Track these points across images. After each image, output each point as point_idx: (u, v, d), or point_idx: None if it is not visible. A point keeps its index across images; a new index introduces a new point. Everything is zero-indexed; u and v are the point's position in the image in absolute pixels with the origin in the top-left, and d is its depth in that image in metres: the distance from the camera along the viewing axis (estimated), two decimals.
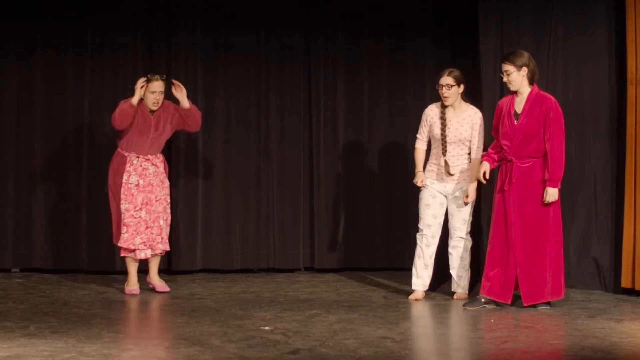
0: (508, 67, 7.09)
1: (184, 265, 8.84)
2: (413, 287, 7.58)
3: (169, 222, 7.91)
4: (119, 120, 7.67)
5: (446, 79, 7.44)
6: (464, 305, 7.21)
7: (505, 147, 7.10)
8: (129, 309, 7.06)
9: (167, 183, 7.92)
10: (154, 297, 7.61)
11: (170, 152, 8.87)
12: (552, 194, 7.01)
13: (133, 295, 7.61)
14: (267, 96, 9.20)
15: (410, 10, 9.24)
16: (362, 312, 6.97)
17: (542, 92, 7.14)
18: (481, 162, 7.25)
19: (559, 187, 7.05)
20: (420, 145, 7.63)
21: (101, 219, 8.96)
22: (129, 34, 9.04)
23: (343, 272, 9.09)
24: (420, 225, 7.55)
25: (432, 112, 7.57)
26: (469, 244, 7.56)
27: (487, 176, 7.21)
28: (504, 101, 7.23)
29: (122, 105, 7.67)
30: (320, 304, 7.32)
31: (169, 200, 7.91)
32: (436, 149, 7.55)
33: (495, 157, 7.21)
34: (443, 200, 7.52)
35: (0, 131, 8.96)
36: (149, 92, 7.70)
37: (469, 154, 7.51)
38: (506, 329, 6.36)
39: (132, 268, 7.78)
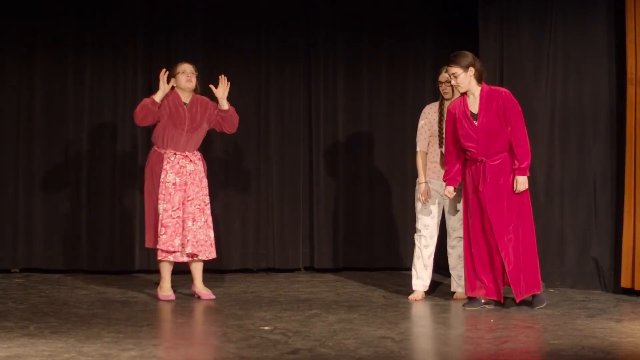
0: (455, 70, 7.01)
1: (183, 265, 8.82)
2: (414, 287, 7.58)
3: (210, 224, 7.59)
4: (140, 117, 7.42)
5: (446, 76, 7.45)
6: (463, 305, 7.20)
7: (471, 149, 7.02)
8: (129, 309, 7.06)
9: (205, 182, 7.63)
10: (153, 297, 7.61)
11: None
12: (522, 182, 6.95)
13: (169, 300, 7.46)
14: (267, 96, 9.21)
15: (410, 10, 9.25)
16: (362, 312, 6.97)
17: (494, 87, 7.10)
18: (446, 185, 7.20)
19: (528, 174, 7.00)
20: (422, 148, 7.54)
21: (101, 219, 8.97)
22: (129, 34, 9.05)
23: (343, 272, 9.10)
24: (418, 226, 7.55)
25: (430, 110, 7.58)
26: None
27: (451, 196, 7.21)
28: (455, 105, 7.11)
29: (145, 101, 7.45)
30: (320, 304, 7.32)
31: (207, 201, 7.60)
32: (433, 146, 7.54)
33: (459, 177, 7.13)
34: (440, 200, 7.53)
35: (0, 131, 8.96)
36: (180, 73, 7.52)
37: None
38: (506, 329, 6.36)
39: (167, 272, 7.55)
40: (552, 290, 7.80)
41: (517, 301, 7.02)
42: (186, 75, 7.53)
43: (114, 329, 6.27)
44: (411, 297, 7.53)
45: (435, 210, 7.53)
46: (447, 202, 7.52)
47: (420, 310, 7.21)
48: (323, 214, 9.23)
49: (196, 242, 7.51)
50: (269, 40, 9.22)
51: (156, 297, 7.58)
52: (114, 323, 6.47)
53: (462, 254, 7.52)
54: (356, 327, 6.39)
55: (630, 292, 7.61)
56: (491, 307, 7.11)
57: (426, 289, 7.59)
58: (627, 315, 6.87)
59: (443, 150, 7.43)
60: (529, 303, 7.06)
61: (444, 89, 7.49)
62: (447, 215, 7.57)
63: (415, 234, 7.57)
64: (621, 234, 7.68)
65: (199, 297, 7.63)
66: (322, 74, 9.27)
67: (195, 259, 7.57)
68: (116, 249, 8.98)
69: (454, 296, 7.57)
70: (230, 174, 9.11)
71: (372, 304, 7.38)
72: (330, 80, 9.27)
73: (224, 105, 7.59)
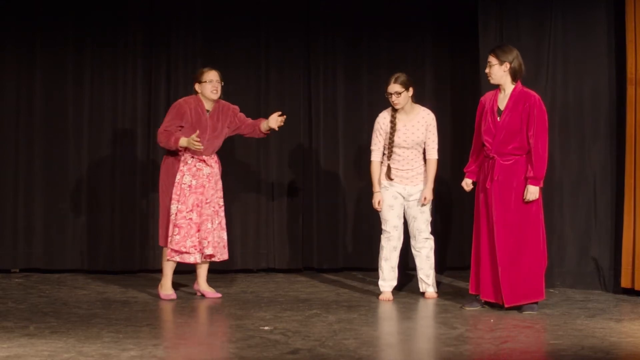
0: (491, 59, 7.04)
1: (183, 265, 8.82)
2: (381, 288, 7.61)
3: (224, 225, 7.63)
4: (161, 145, 7.50)
5: (394, 87, 7.47)
6: (463, 305, 7.20)
7: (487, 144, 7.03)
8: (129, 309, 7.06)
9: (220, 185, 7.65)
10: (153, 297, 7.61)
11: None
12: (533, 192, 6.91)
13: (170, 300, 7.49)
14: (267, 96, 9.21)
15: (409, 10, 9.25)
16: (361, 312, 6.97)
17: (526, 89, 7.05)
18: (465, 177, 7.24)
19: (541, 185, 6.98)
20: (377, 158, 7.62)
21: (101, 219, 8.97)
22: (129, 34, 9.05)
23: (343, 272, 9.10)
24: (387, 228, 7.57)
25: (385, 119, 7.60)
26: (433, 243, 7.64)
27: (468, 189, 7.25)
28: (487, 97, 7.14)
29: (170, 138, 7.39)
30: (319, 304, 7.32)
31: (222, 203, 7.64)
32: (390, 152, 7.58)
33: (476, 169, 7.16)
34: (402, 201, 7.57)
35: (0, 131, 8.96)
36: (206, 81, 7.49)
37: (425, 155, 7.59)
38: (506, 329, 6.36)
39: (170, 271, 7.57)
40: (552, 290, 7.80)
41: (506, 305, 6.96)
42: (213, 85, 7.50)
43: (114, 329, 6.27)
44: (382, 297, 7.56)
45: (401, 211, 7.58)
46: (410, 204, 7.55)
47: (420, 310, 7.21)
48: (323, 214, 9.23)
49: (219, 244, 7.58)
50: (269, 40, 9.22)
51: (157, 296, 7.58)
52: (114, 323, 6.47)
53: (429, 254, 7.55)
54: (356, 327, 6.39)
55: (630, 292, 7.61)
56: (490, 307, 7.10)
57: (392, 288, 7.61)
58: (627, 315, 6.87)
59: (390, 162, 7.52)
60: (517, 307, 7.00)
61: (394, 100, 7.49)
62: (410, 218, 7.61)
63: (382, 235, 7.59)
64: (621, 234, 7.68)
65: (202, 296, 7.65)
66: (322, 74, 9.27)
67: (207, 260, 7.61)
68: (116, 249, 8.98)
69: (425, 295, 7.62)
70: (230, 173, 9.09)
71: (372, 304, 7.38)
72: (329, 80, 9.27)
73: (267, 129, 7.71)
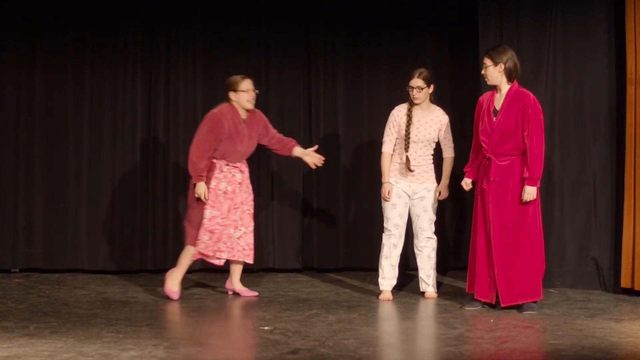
0: (486, 61, 7.06)
1: (193, 265, 8.83)
2: (381, 287, 7.61)
3: (252, 228, 7.65)
4: (191, 159, 7.44)
5: (416, 81, 7.50)
6: (463, 305, 7.20)
7: (483, 144, 7.05)
8: (129, 309, 7.06)
9: (251, 188, 7.69)
10: (153, 297, 7.61)
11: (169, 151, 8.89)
12: (530, 192, 6.92)
13: (172, 298, 7.47)
14: (267, 96, 9.20)
15: (409, 10, 9.25)
16: (361, 312, 6.97)
17: (522, 89, 7.06)
18: (465, 177, 7.26)
19: (538, 185, 6.99)
20: (388, 150, 7.62)
21: (101, 219, 8.97)
22: (129, 34, 9.05)
23: (343, 272, 9.10)
24: (388, 226, 7.58)
25: (400, 112, 7.61)
26: (436, 243, 7.64)
27: (467, 188, 7.26)
28: (485, 97, 7.17)
29: (199, 170, 7.34)
30: (319, 304, 7.32)
31: (252, 205, 7.68)
32: (400, 147, 7.58)
33: (475, 169, 7.19)
34: (407, 200, 7.58)
35: (0, 131, 8.96)
36: (243, 90, 7.47)
37: (433, 154, 7.60)
38: (506, 329, 6.36)
39: (186, 266, 7.53)
40: (552, 290, 7.80)
41: (502, 305, 6.98)
42: (249, 95, 7.50)
43: (114, 329, 6.27)
44: (382, 297, 7.56)
45: (404, 210, 7.58)
46: (415, 202, 7.56)
47: (420, 310, 7.21)
48: (323, 214, 9.23)
49: (245, 246, 7.58)
50: (269, 40, 9.21)
51: (157, 296, 7.57)
52: (114, 323, 6.47)
53: (431, 254, 7.55)
54: (356, 327, 6.39)
55: (630, 292, 7.61)
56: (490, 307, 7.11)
57: (391, 288, 7.62)
58: (627, 315, 6.87)
59: (408, 154, 7.49)
60: (517, 307, 7.01)
61: (414, 95, 7.51)
62: (414, 217, 7.62)
63: (384, 234, 7.60)
64: (621, 234, 7.68)
65: (236, 294, 7.65)
66: (322, 74, 9.26)
67: (238, 259, 7.60)
68: (116, 249, 8.98)
69: (425, 295, 7.62)
70: None
71: (372, 304, 7.38)
72: (329, 80, 9.27)
73: (296, 156, 7.79)
